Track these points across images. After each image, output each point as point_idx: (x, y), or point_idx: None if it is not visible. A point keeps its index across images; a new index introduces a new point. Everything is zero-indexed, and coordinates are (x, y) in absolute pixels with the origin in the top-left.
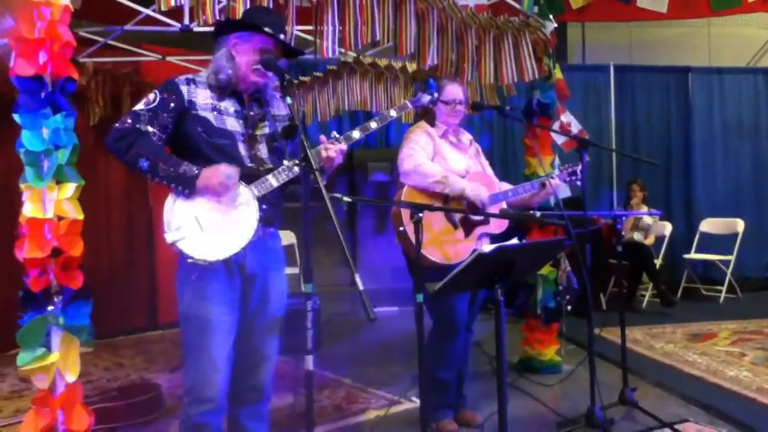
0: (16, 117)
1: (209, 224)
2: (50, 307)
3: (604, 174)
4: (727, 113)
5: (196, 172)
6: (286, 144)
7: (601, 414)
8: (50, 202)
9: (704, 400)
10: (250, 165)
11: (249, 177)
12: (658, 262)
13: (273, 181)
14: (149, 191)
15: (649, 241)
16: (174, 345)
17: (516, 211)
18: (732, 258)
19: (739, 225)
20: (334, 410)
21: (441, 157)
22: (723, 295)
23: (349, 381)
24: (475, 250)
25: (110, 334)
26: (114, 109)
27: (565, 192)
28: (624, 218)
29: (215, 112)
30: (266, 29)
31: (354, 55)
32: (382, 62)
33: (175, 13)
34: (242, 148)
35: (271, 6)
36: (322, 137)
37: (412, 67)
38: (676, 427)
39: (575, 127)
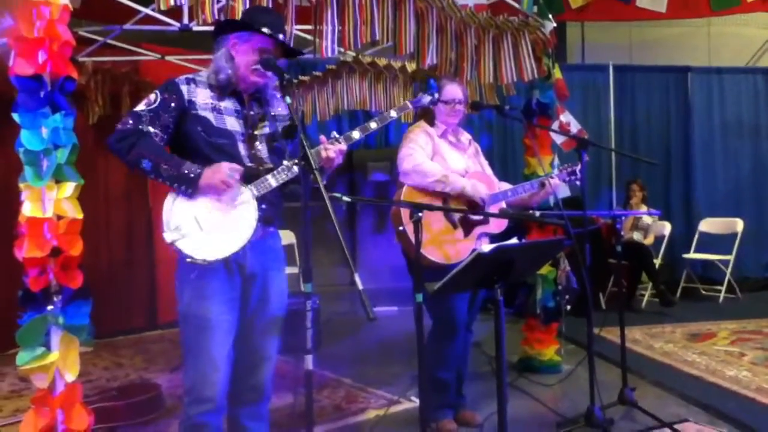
0: (15, 116)
1: (208, 224)
2: (50, 307)
3: (603, 174)
4: (726, 113)
5: (199, 171)
6: (286, 144)
7: (601, 414)
8: (49, 202)
9: (703, 399)
10: (249, 165)
11: (248, 177)
12: (657, 261)
13: (272, 180)
14: (149, 191)
15: (649, 240)
16: (174, 345)
17: (515, 211)
18: (731, 258)
19: (739, 225)
20: (333, 410)
21: (440, 157)
22: (722, 294)
23: (349, 381)
24: (474, 250)
25: (110, 333)
26: (113, 108)
27: (564, 192)
28: (623, 218)
29: (215, 112)
30: (264, 29)
31: (353, 54)
32: (382, 62)
33: (175, 12)
34: (242, 148)
35: (270, 5)
36: (322, 137)
37: (411, 66)
38: (676, 426)
39: (574, 127)
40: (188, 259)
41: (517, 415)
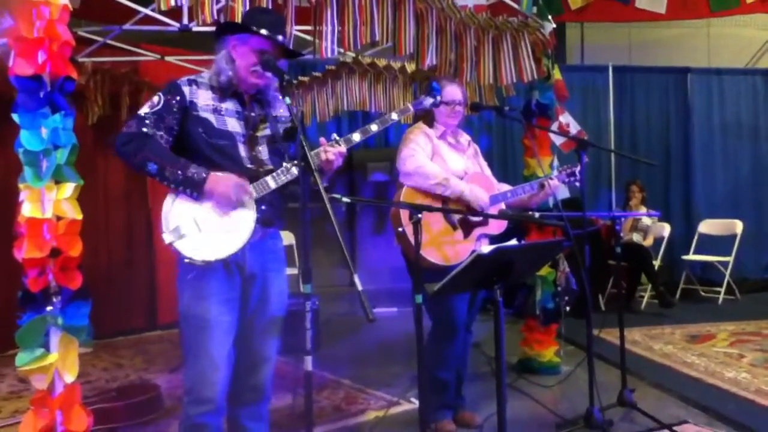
0: (14, 117)
1: (207, 225)
2: (49, 308)
3: (602, 175)
4: (726, 114)
5: (204, 176)
6: (288, 146)
7: (600, 415)
8: (49, 202)
9: (703, 401)
10: (249, 166)
11: (248, 178)
12: (656, 263)
13: (271, 182)
14: (148, 191)
15: (648, 242)
16: (173, 345)
17: (515, 212)
18: (731, 259)
19: (738, 226)
20: (333, 411)
21: (439, 158)
22: (722, 296)
23: (349, 382)
24: (474, 251)
25: (109, 334)
26: (113, 108)
27: (563, 193)
28: (623, 219)
29: (216, 114)
30: (263, 31)
31: (353, 55)
32: (381, 62)
33: (174, 12)
34: (242, 149)
35: (270, 6)
36: (322, 140)
37: (411, 67)
38: (675, 428)
39: (574, 128)
40: (186, 260)
41: (516, 416)
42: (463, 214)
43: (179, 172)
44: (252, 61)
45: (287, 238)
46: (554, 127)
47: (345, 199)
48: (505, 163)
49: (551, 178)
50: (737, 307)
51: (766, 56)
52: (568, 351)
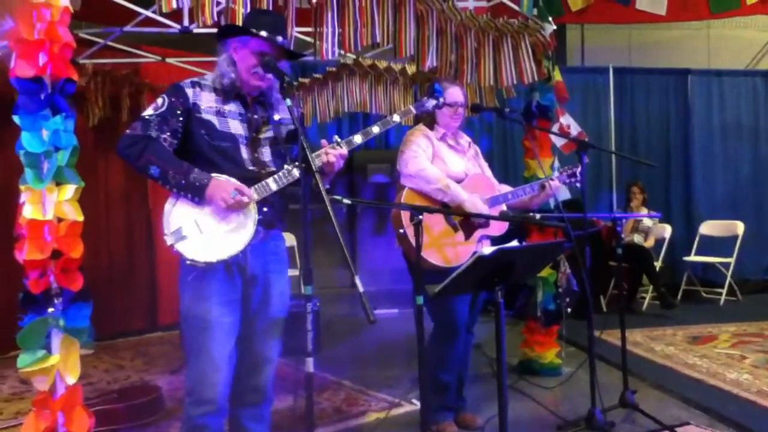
0: (15, 118)
1: (208, 226)
2: (50, 309)
3: (603, 176)
4: (726, 115)
5: (206, 181)
6: (290, 147)
7: (602, 416)
8: (50, 204)
9: (705, 402)
10: (251, 168)
11: (250, 180)
12: (658, 264)
13: (273, 184)
14: (149, 192)
15: (649, 243)
16: (174, 347)
17: (516, 213)
18: (732, 260)
19: (739, 227)
20: (334, 412)
21: (440, 160)
22: (723, 297)
23: (349, 383)
24: (475, 253)
25: (110, 335)
26: (113, 110)
27: (564, 194)
28: (624, 220)
29: (219, 116)
30: (262, 32)
31: (353, 56)
32: (382, 64)
33: (175, 14)
34: (244, 152)
35: (270, 8)
36: (323, 141)
37: (411, 69)
38: (677, 429)
39: (575, 130)
40: (188, 262)
41: (517, 417)
42: (463, 216)
43: (181, 176)
44: (252, 63)
45: (288, 239)
46: (555, 128)
47: (346, 201)
48: (506, 164)
49: (552, 179)
50: (739, 308)
51: (767, 58)
52: (570, 352)
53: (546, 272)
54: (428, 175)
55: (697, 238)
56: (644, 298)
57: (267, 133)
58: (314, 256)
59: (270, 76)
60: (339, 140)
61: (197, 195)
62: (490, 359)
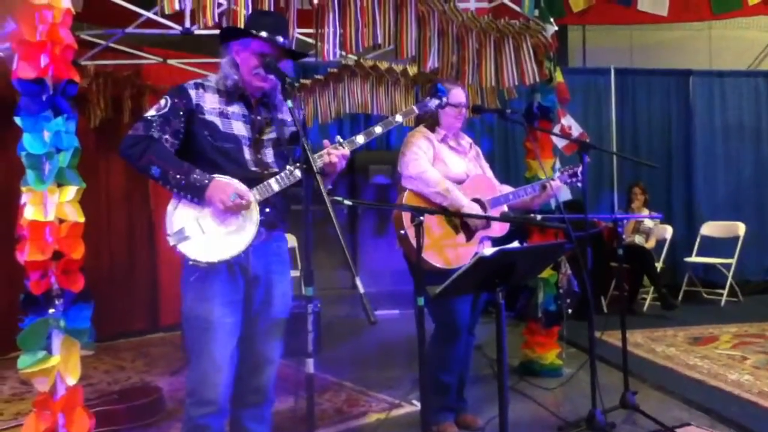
0: (17, 120)
1: (210, 227)
2: (51, 310)
3: (605, 177)
4: (727, 116)
5: (206, 182)
6: (293, 148)
7: (602, 417)
8: (51, 205)
9: (706, 403)
10: (254, 169)
11: (252, 181)
12: (659, 265)
13: (275, 185)
14: (150, 193)
15: (650, 244)
16: (175, 348)
17: (517, 214)
18: (733, 261)
19: (740, 228)
20: (335, 413)
21: (441, 162)
22: (724, 298)
23: (350, 384)
24: (476, 254)
25: (111, 336)
26: (115, 111)
27: (566, 195)
28: (625, 221)
29: (222, 117)
30: (262, 33)
31: (355, 57)
32: (383, 65)
33: (176, 16)
34: (247, 153)
35: (271, 9)
36: (326, 142)
37: (412, 70)
38: (678, 430)
39: (576, 131)
40: (191, 262)
41: (518, 418)
42: (464, 217)
43: (182, 177)
44: (254, 64)
45: (289, 240)
46: (556, 129)
47: (347, 202)
48: (507, 165)
49: (553, 179)
50: (740, 309)
51: None
52: (570, 353)
53: (547, 273)
54: (428, 178)
55: (698, 239)
56: (645, 299)
57: (270, 135)
58: (315, 257)
59: (272, 77)
60: (341, 140)
61: (197, 195)
62: (490, 360)
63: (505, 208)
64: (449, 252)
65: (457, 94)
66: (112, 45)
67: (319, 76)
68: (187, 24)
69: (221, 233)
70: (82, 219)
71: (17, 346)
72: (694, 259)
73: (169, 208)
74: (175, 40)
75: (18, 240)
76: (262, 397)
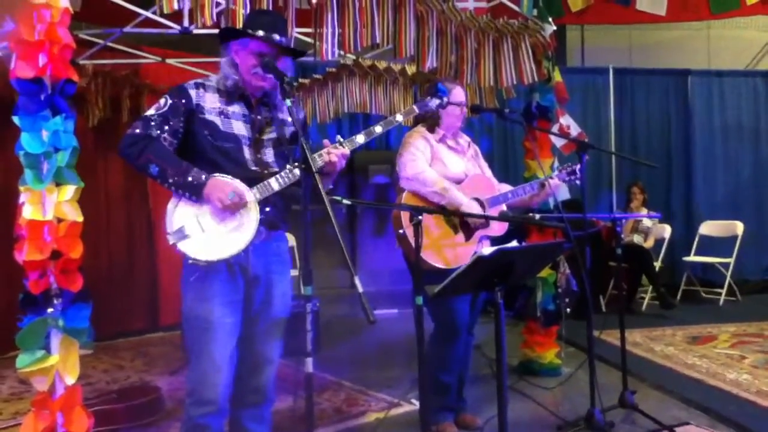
0: (15, 119)
1: (210, 226)
2: (50, 310)
3: (603, 176)
4: (726, 116)
5: (204, 180)
6: (293, 148)
7: (601, 417)
8: (50, 205)
9: (704, 402)
10: (254, 168)
11: (252, 180)
12: (657, 264)
13: (275, 184)
14: (149, 192)
15: (649, 243)
16: (174, 347)
17: (516, 213)
18: (731, 260)
19: (739, 227)
20: (334, 413)
21: (439, 162)
22: (723, 297)
23: (349, 383)
24: (475, 253)
25: (110, 336)
26: (113, 111)
27: (564, 194)
28: (623, 221)
29: (222, 117)
30: (259, 32)
31: (353, 57)
32: (382, 64)
33: (174, 15)
34: (247, 152)
35: (270, 8)
36: (326, 141)
37: (411, 69)
38: (676, 430)
39: (574, 130)
40: (191, 261)
41: (517, 418)
42: (463, 216)
43: (180, 175)
44: (252, 64)
45: (288, 239)
46: (555, 129)
47: (346, 201)
48: (506, 165)
49: (551, 178)
50: (738, 309)
51: (767, 58)
52: (569, 353)
53: (545, 273)
54: (426, 178)
55: (696, 239)
56: (644, 298)
57: (270, 134)
58: (314, 256)
59: (270, 76)
60: (341, 140)
61: (195, 193)
62: (489, 360)
63: (504, 207)
64: (448, 251)
65: (458, 94)
66: (111, 44)
67: (317, 76)
68: (186, 23)
69: (221, 232)
70: (80, 218)
71: (16, 345)
72: (692, 258)
73: (170, 206)
74: (173, 40)
75: (16, 239)
76: (262, 397)
